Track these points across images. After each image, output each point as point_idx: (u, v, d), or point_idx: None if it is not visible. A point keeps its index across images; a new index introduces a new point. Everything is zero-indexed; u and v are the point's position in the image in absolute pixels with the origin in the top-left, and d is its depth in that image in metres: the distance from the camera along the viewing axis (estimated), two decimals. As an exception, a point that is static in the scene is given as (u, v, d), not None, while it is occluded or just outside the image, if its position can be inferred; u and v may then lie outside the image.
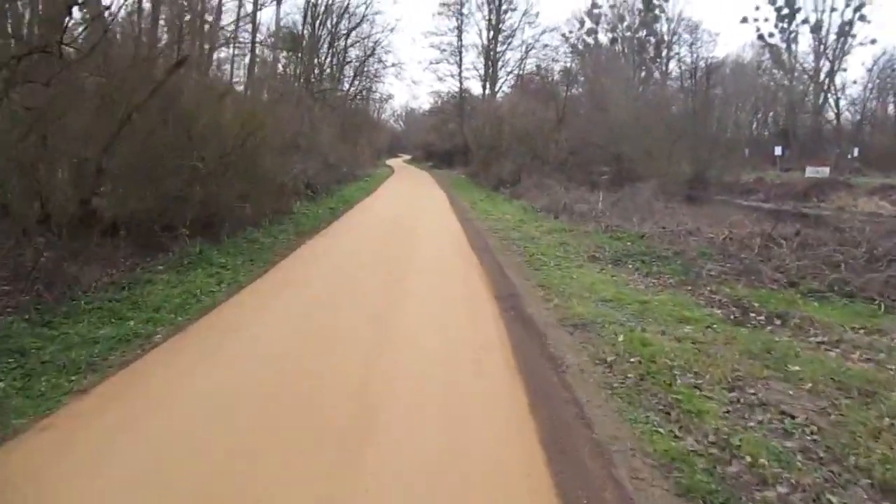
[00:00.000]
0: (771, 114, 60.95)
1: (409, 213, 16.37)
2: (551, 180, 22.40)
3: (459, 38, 42.70)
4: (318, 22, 38.13)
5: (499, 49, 39.05)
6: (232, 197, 10.81)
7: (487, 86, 40.17)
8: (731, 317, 6.29)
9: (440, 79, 44.09)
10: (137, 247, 9.02)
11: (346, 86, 41.92)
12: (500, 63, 38.81)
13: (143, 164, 9.69)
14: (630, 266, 8.94)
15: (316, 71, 38.89)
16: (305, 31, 38.58)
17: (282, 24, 39.46)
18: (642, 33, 60.59)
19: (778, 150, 44.96)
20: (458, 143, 46.74)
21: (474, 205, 18.76)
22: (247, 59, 37.41)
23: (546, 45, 43.60)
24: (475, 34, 55.63)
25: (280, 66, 40.89)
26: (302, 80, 37.78)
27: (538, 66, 45.38)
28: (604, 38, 60.90)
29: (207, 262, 8.59)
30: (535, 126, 25.59)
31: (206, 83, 14.11)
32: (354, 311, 6.40)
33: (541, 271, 8.72)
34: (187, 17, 25.52)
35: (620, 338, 5.51)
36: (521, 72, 43.27)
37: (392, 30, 48.98)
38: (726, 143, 29.99)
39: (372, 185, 25.31)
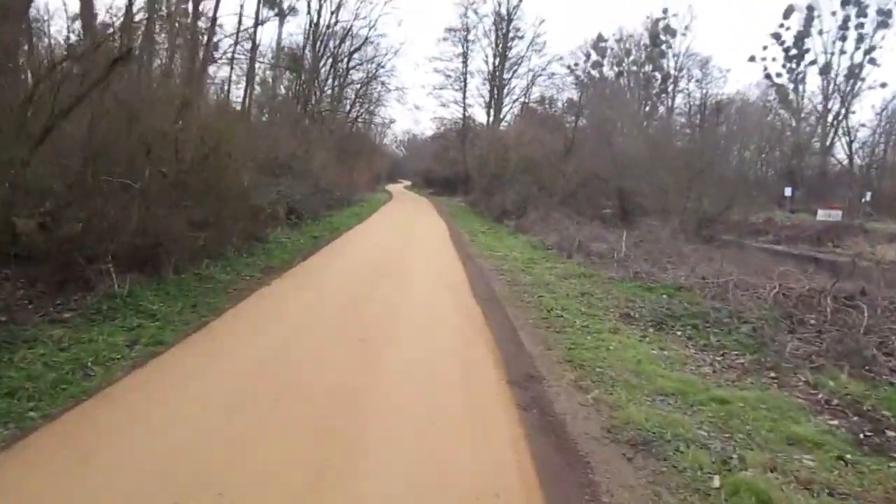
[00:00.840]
0: (777, 153, 59.44)
1: (401, 246, 14.28)
2: (559, 214, 20.44)
3: (464, 64, 41.26)
4: (319, 43, 36.58)
5: (504, 76, 37.51)
6: (183, 223, 8.76)
7: (492, 113, 38.53)
8: (861, 435, 4.19)
9: (443, 105, 42.42)
10: (54, 283, 6.97)
11: (347, 108, 40.29)
12: (505, 90, 37.24)
13: (69, 178, 7.72)
14: (679, 333, 6.85)
15: (316, 93, 37.26)
16: (307, 53, 37.07)
17: (283, 44, 38.01)
18: (648, 68, 59.53)
19: (788, 191, 43.31)
20: (460, 171, 45.01)
21: (475, 238, 16.74)
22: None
23: (553, 75, 42.27)
24: (481, 60, 54.38)
25: (282, 87, 39.45)
26: (301, 101, 36.15)
27: (542, 97, 43.94)
28: (609, 71, 59.85)
29: (134, 307, 6.51)
30: (542, 156, 23.73)
31: (172, 91, 12.17)
32: (294, 422, 4.10)
33: (565, 335, 6.63)
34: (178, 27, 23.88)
35: (716, 481, 3.41)
36: (526, 100, 41.83)
37: (396, 53, 47.67)
38: (738, 181, 28.15)
39: (367, 211, 23.31)
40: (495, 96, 38.36)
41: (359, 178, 39.41)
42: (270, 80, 40.09)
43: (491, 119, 38.76)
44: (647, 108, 56.94)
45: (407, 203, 34.24)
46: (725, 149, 43.98)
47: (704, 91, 51.79)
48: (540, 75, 38.37)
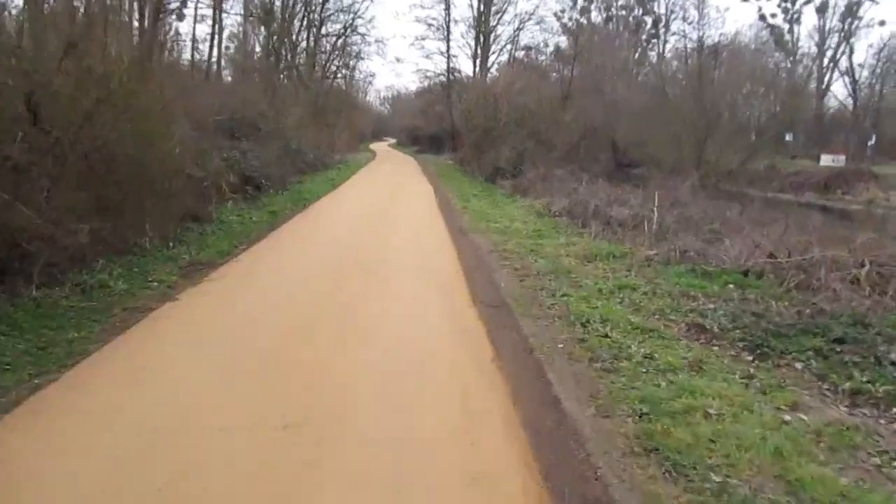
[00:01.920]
0: (771, 97, 56.32)
1: (378, 221, 11.52)
2: (561, 170, 17.75)
3: (447, 11, 37.58)
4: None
5: (490, 23, 33.97)
6: (62, 207, 6.05)
7: (478, 63, 35.15)
8: None
9: (427, 56, 38.88)
10: None
11: (323, 62, 36.75)
12: (492, 37, 33.79)
13: None
14: (799, 366, 4.31)
15: (288, 47, 33.66)
16: (277, 3, 33.31)
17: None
18: (638, 11, 55.82)
19: (788, 137, 40.73)
20: (446, 127, 41.87)
21: (468, 204, 14.07)
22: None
23: (542, 20, 38.70)
24: (465, 6, 50.39)
25: (257, 44, 35.77)
26: (274, 57, 32.66)
27: (528, 46, 40.29)
28: (597, 17, 56.04)
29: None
30: (537, 105, 20.82)
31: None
32: None
33: (621, 378, 4.06)
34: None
35: None
36: (513, 48, 38.33)
37: (373, 0, 43.48)
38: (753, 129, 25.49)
39: (343, 176, 20.43)
40: (481, 44, 34.91)
41: (339, 138, 36.26)
42: (241, 36, 36.50)
43: (478, 69, 35.43)
44: (637, 55, 53.54)
45: (390, 164, 31.25)
46: (723, 95, 41.12)
47: (701, 33, 48.19)
48: (528, 20, 34.87)
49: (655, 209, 9.56)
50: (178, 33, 34.34)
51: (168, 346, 4.57)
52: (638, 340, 4.82)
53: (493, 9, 34.43)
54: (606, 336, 4.90)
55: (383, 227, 10.64)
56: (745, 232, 8.54)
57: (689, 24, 47.40)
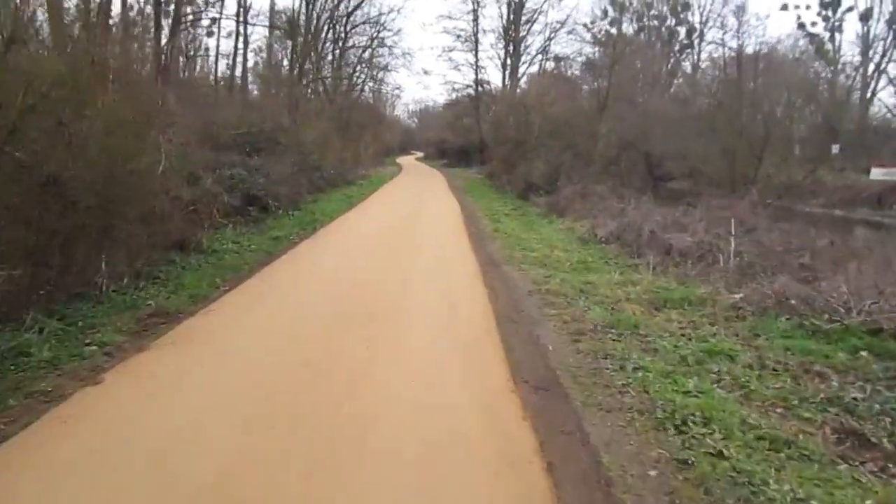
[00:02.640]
0: (810, 108, 53.38)
1: (395, 248, 9.79)
2: (600, 186, 15.97)
3: (475, 22, 36.15)
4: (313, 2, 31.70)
5: (521, 32, 32.37)
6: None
7: (507, 73, 33.52)
8: None
9: (455, 68, 37.31)
10: None
11: (350, 74, 35.57)
12: (522, 46, 32.17)
13: None
14: None
15: (312, 58, 32.52)
16: (302, 14, 32.24)
17: (277, 7, 33.30)
18: (671, 21, 53.71)
19: (835, 149, 38.13)
20: (474, 140, 40.36)
21: (499, 225, 12.40)
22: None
23: (572, 30, 36.92)
24: (493, 16, 48.95)
25: (285, 57, 34.78)
26: (298, 69, 31.59)
27: (558, 57, 38.43)
28: (628, 27, 54.07)
29: None
30: (573, 116, 19.10)
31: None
32: None
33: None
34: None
35: None
36: (543, 58, 36.61)
37: (399, 11, 41.79)
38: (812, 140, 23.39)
39: (364, 193, 18.92)
40: (511, 54, 33.31)
41: (364, 152, 34.99)
42: (265, 49, 35.58)
43: (507, 80, 33.80)
44: (670, 65, 51.37)
45: (415, 178, 29.71)
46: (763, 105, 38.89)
47: (741, 41, 45.85)
48: (559, 29, 33.17)
49: (732, 237, 7.73)
50: (206, 48, 33.71)
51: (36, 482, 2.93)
52: (773, 465, 3.07)
53: (524, 18, 32.84)
54: (721, 455, 3.17)
55: (399, 256, 8.99)
56: (852, 268, 6.68)
57: (727, 32, 45.15)
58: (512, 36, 32.52)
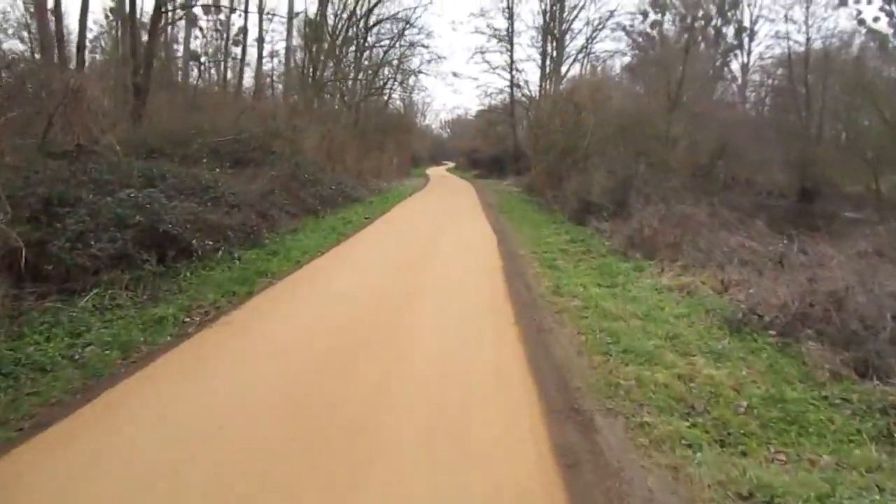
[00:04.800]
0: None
1: (372, 353, 4.74)
2: (690, 206, 10.93)
3: (510, 18, 31.28)
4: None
5: (563, 24, 27.32)
6: None
7: (549, 70, 28.45)
8: None
9: (488, 70, 32.42)
10: None
11: (371, 76, 31.02)
12: (566, 38, 27.11)
13: None
14: None
15: (324, 60, 28.00)
16: (322, 17, 27.87)
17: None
18: (717, 21, 47.87)
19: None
20: (508, 148, 35.46)
21: (559, 277, 7.48)
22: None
23: (616, 28, 31.59)
24: (532, 12, 43.85)
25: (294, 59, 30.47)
26: (313, 72, 27.22)
27: (601, 57, 32.97)
28: (670, 27, 48.41)
29: None
30: (640, 114, 14.06)
31: None
32: None
33: None
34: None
35: None
36: (585, 58, 31.40)
37: (425, 7, 36.90)
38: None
39: (369, 214, 14.08)
40: (553, 49, 28.23)
41: (387, 163, 30.40)
42: (283, 53, 31.34)
43: (548, 78, 28.73)
44: (716, 66, 45.49)
45: (442, 192, 24.76)
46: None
47: (808, 36, 39.71)
48: (602, 27, 28.00)
49: None
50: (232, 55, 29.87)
51: None
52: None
53: (567, 7, 27.75)
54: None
55: (374, 379, 4.13)
56: None
57: (793, 24, 39.15)
58: (554, 29, 27.49)
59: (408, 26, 30.37)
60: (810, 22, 38.23)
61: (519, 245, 10.16)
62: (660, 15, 48.51)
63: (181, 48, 29.89)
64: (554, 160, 16.64)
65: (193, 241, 7.20)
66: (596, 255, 9.07)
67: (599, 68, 32.19)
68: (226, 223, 8.32)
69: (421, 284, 6.95)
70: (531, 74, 34.64)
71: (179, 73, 28.19)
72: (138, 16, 18.65)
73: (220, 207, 9.31)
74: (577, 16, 27.97)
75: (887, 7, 44.47)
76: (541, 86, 29.88)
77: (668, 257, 8.34)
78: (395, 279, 7.22)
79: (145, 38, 18.35)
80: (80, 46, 15.72)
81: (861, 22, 45.47)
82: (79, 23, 15.55)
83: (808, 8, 38.48)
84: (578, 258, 8.86)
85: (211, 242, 7.61)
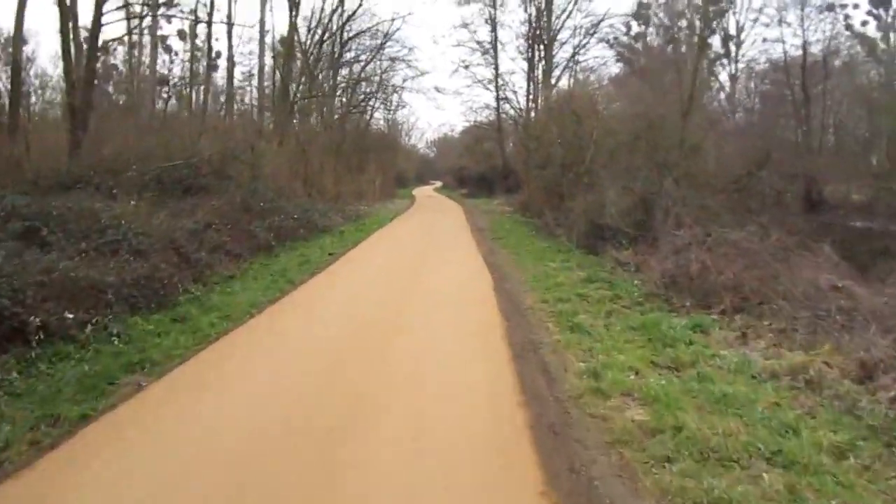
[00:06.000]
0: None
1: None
2: (730, 228, 8.47)
3: (493, 30, 29.11)
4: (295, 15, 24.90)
5: (552, 30, 25.09)
6: None
7: (538, 79, 26.15)
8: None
9: (478, 80, 30.08)
10: None
11: (349, 92, 28.58)
12: (554, 47, 24.86)
13: None
14: None
15: (303, 78, 25.58)
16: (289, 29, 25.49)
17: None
18: (704, 31, 46.08)
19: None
20: (497, 165, 33.11)
21: (584, 334, 5.03)
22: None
23: (606, 38, 29.27)
24: (515, 23, 41.72)
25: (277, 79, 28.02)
26: (280, 90, 24.76)
27: (582, 71, 30.56)
28: (656, 40, 46.58)
29: None
30: (656, 120, 11.66)
31: None
32: None
33: None
34: None
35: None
36: (573, 69, 29.10)
37: (404, 18, 34.13)
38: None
39: (339, 247, 11.48)
40: (540, 56, 25.97)
41: (368, 185, 27.90)
42: (255, 72, 28.88)
43: (537, 88, 26.41)
44: (704, 77, 43.45)
45: (427, 215, 22.16)
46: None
47: (804, 38, 37.76)
48: (594, 33, 25.81)
49: None
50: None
51: None
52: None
53: (557, 9, 25.51)
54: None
55: None
56: None
57: (788, 27, 37.02)
58: (542, 35, 25.23)
59: (387, 40, 28.20)
60: (806, 25, 36.34)
61: (522, 288, 7.63)
62: (643, 27, 46.68)
63: (147, 71, 27.56)
64: (552, 176, 14.20)
65: (33, 318, 4.61)
66: (629, 304, 6.56)
67: (593, 77, 30.03)
68: (108, 280, 5.71)
69: (381, 386, 4.35)
70: (518, 86, 32.81)
71: (144, 97, 25.63)
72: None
73: (119, 255, 6.76)
74: (564, 23, 25.81)
75: (874, 11, 42.72)
76: (527, 97, 27.61)
77: (734, 307, 5.86)
78: (341, 375, 4.62)
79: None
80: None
81: (849, 27, 43.50)
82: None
83: (802, 9, 36.57)
84: (607, 308, 6.33)
85: (72, 315, 5.01)
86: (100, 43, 16.20)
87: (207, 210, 9.87)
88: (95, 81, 17.78)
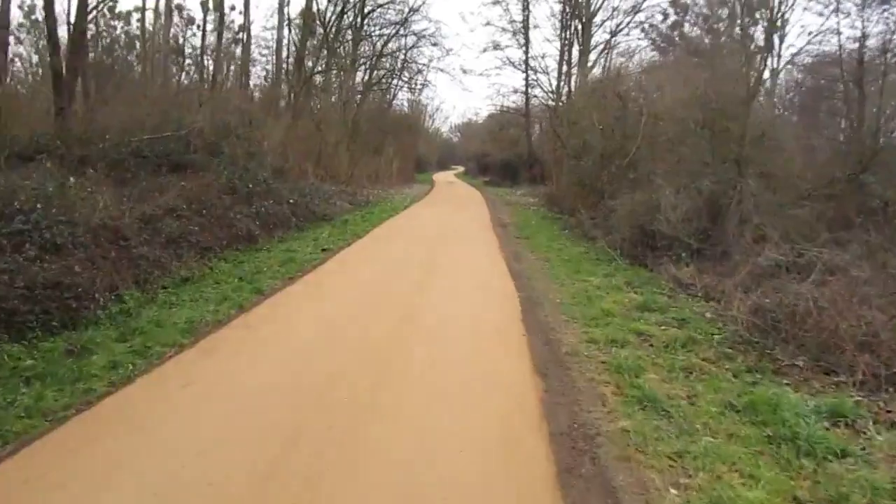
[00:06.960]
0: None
1: None
2: (826, 248, 6.42)
3: (526, 9, 26.72)
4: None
5: (591, 7, 22.62)
6: None
7: (574, 57, 23.76)
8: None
9: (508, 62, 27.64)
10: None
11: (368, 69, 26.57)
12: (593, 27, 22.40)
13: None
14: None
15: (317, 50, 23.62)
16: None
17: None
18: (746, 20, 42.86)
19: None
20: (522, 152, 30.95)
21: (662, 416, 3.19)
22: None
23: (643, 23, 26.56)
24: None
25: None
26: (293, 63, 22.87)
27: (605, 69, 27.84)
28: (692, 29, 43.46)
29: None
30: (721, 108, 9.52)
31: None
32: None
33: None
34: None
35: None
36: (609, 55, 26.51)
37: None
38: None
39: (336, 241, 9.63)
40: (577, 36, 23.58)
41: (385, 168, 26.03)
42: (274, 45, 27.00)
43: (571, 70, 24.05)
44: (744, 70, 40.42)
45: (445, 205, 20.01)
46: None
47: (864, 33, 34.65)
48: (638, 11, 23.23)
49: None
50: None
51: None
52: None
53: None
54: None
55: None
56: None
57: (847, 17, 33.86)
58: (581, 14, 22.80)
59: (412, 13, 26.05)
60: (866, 15, 33.04)
61: (559, 316, 5.70)
62: (680, 15, 43.50)
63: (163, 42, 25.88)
64: (589, 168, 12.15)
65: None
66: (714, 356, 4.59)
67: (636, 59, 27.37)
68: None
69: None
70: (551, 68, 30.14)
71: (157, 69, 23.91)
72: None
73: (23, 251, 4.99)
74: (602, 3, 23.28)
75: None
76: (558, 80, 25.27)
77: (873, 373, 3.90)
78: (296, 463, 2.78)
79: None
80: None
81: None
82: None
83: (863, -1, 33.38)
84: (683, 362, 4.40)
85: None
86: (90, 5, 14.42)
87: (176, 192, 8.07)
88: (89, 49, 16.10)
